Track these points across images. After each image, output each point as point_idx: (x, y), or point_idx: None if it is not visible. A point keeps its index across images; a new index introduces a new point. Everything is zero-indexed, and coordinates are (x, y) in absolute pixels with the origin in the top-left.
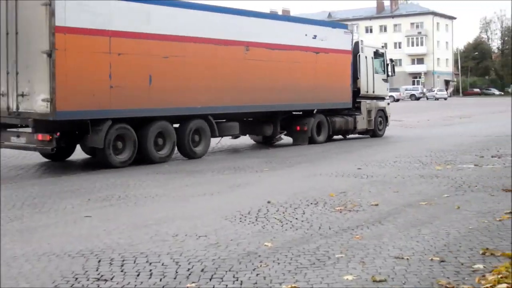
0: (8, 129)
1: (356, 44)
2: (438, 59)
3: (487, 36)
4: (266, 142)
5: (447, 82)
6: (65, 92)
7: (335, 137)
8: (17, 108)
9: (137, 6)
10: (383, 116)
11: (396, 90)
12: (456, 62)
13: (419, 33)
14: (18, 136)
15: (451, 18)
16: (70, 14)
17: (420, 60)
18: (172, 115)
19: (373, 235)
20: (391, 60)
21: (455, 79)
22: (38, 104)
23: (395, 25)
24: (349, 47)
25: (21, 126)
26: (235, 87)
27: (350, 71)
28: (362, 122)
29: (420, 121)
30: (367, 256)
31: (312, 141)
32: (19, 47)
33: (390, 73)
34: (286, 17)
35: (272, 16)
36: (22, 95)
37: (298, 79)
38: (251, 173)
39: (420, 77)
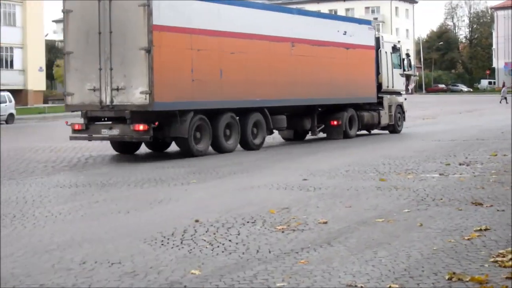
0: (97, 123)
1: (377, 39)
2: None
3: (453, 23)
4: (297, 138)
5: (407, 77)
6: (161, 85)
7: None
8: (111, 101)
9: (211, 6)
10: (401, 111)
11: None
12: (418, 53)
13: (375, 19)
14: (110, 128)
15: (412, 2)
16: (163, 13)
17: None
18: (236, 107)
19: (321, 259)
20: (407, 55)
21: (417, 73)
22: (136, 96)
23: (347, 10)
24: (372, 42)
25: (109, 119)
26: (285, 82)
27: (374, 66)
28: (385, 117)
29: None
30: (314, 284)
31: (346, 135)
32: (113, 45)
33: (406, 68)
34: (321, 14)
35: (311, 13)
36: (117, 89)
37: (333, 73)
38: (175, 186)
39: None
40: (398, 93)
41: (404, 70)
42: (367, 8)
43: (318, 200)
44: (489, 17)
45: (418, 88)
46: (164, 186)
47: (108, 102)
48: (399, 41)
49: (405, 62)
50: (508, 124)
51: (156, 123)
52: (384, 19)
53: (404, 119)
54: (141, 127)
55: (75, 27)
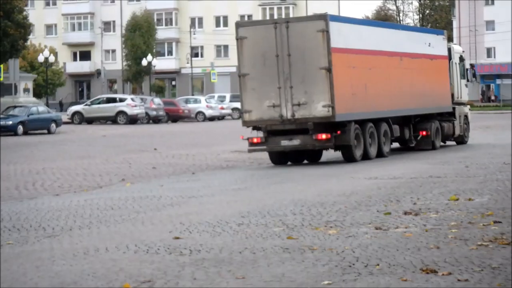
0: (274, 136)
1: (449, 50)
2: None
3: (397, 7)
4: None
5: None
6: (340, 99)
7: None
8: (293, 115)
9: (356, 27)
10: (467, 122)
11: None
12: None
13: None
14: (290, 139)
15: None
16: (336, 37)
17: None
18: (374, 117)
19: None
20: (472, 66)
21: (478, 82)
22: (318, 109)
23: None
24: (446, 52)
25: (288, 132)
26: (398, 93)
27: (448, 77)
28: (458, 128)
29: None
30: None
31: (433, 146)
32: (292, 65)
33: (470, 79)
34: (410, 27)
35: (407, 27)
36: (298, 104)
37: (425, 84)
38: None
39: None
40: (464, 104)
41: (468, 80)
42: None
43: (195, 268)
44: None
45: None
46: None
47: (289, 116)
48: (463, 51)
49: (469, 72)
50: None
51: (339, 132)
52: (296, 0)
53: (469, 130)
54: (323, 136)
55: (250, 52)
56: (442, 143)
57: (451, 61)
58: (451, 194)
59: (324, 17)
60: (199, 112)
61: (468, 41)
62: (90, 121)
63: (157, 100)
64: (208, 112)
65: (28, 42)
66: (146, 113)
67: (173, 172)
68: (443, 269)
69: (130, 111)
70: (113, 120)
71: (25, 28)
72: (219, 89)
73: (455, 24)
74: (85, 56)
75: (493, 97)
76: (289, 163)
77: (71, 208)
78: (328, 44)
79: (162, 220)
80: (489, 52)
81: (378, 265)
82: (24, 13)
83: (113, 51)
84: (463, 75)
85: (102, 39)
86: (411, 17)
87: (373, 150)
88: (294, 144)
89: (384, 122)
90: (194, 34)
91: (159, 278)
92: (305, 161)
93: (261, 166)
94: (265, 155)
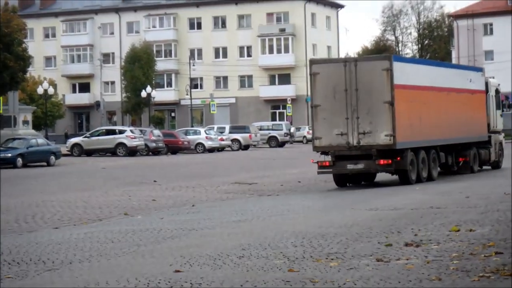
0: (341, 160)
1: (486, 83)
2: None
3: (395, 37)
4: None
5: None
6: (400, 129)
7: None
8: (358, 142)
9: (414, 66)
10: (502, 149)
11: (244, 129)
12: None
13: (282, 30)
14: (355, 164)
15: (336, 6)
16: (399, 75)
17: (284, 77)
18: (426, 146)
19: None
20: (507, 97)
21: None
22: (381, 138)
23: (240, 16)
24: (484, 87)
25: (354, 157)
26: (444, 124)
27: (485, 109)
28: (493, 154)
29: (287, 181)
30: None
31: (472, 170)
32: (359, 99)
33: (505, 110)
34: (456, 65)
35: (453, 65)
36: (364, 133)
37: (466, 115)
38: None
39: (285, 107)
40: (499, 133)
41: (502, 111)
42: (270, 14)
43: None
44: (446, 29)
45: None
46: None
47: (355, 143)
48: (499, 84)
49: (503, 103)
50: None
51: (398, 158)
52: (295, 31)
53: (503, 156)
54: (385, 161)
55: (322, 85)
56: (479, 168)
57: (488, 94)
58: (452, 225)
59: (388, 58)
60: (199, 144)
61: None
62: (90, 153)
63: (157, 131)
64: (208, 144)
65: (28, 74)
66: (146, 145)
67: (173, 204)
68: None
69: (130, 143)
70: (112, 152)
71: (24, 60)
72: (218, 120)
73: (454, 54)
74: (84, 88)
75: None
76: (349, 184)
77: (71, 241)
78: (392, 81)
79: (163, 253)
80: None
81: None
82: (24, 45)
83: (112, 82)
84: (498, 106)
85: (101, 71)
86: (410, 48)
87: (424, 174)
88: (358, 167)
89: (433, 149)
90: (194, 65)
91: None
92: (363, 182)
93: (261, 197)
94: (264, 186)
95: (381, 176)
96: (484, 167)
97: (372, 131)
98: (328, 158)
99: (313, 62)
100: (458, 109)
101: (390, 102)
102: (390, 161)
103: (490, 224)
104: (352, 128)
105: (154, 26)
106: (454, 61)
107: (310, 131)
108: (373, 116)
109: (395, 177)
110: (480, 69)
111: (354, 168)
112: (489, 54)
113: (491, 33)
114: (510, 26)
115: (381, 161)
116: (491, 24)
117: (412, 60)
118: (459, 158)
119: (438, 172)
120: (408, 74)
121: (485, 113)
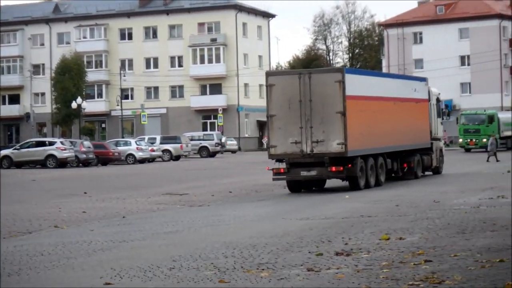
0: (295, 167)
1: (429, 92)
2: (246, 85)
3: (326, 46)
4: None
5: (262, 125)
6: (351, 138)
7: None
8: (312, 150)
9: (364, 78)
10: (442, 155)
11: (175, 140)
12: None
13: (213, 40)
14: (309, 171)
15: (268, 15)
16: (350, 87)
17: (215, 87)
18: (374, 153)
19: None
20: (446, 106)
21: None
22: (334, 146)
23: (171, 27)
24: (427, 96)
25: (307, 164)
26: (391, 132)
27: (428, 117)
28: (435, 160)
29: (218, 191)
30: None
31: (415, 175)
32: (313, 109)
33: (445, 117)
34: (403, 76)
35: (400, 76)
36: (317, 142)
37: (410, 123)
38: None
39: (217, 117)
40: (439, 139)
41: (442, 118)
42: (201, 24)
43: None
44: (376, 38)
45: None
46: None
47: (308, 151)
48: (439, 93)
49: (443, 111)
50: None
51: (350, 165)
52: (227, 41)
53: (443, 162)
54: (337, 168)
55: (278, 96)
56: (422, 173)
57: (430, 103)
58: (382, 234)
59: (341, 70)
60: (129, 155)
61: None
62: (19, 165)
63: (87, 143)
64: (138, 155)
65: None
66: (76, 156)
67: (103, 216)
68: None
69: (60, 154)
70: (42, 164)
71: None
72: (149, 131)
73: (384, 63)
74: (14, 99)
75: None
76: (302, 190)
77: None
78: (344, 93)
79: (93, 266)
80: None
81: None
82: None
83: (43, 94)
84: (439, 114)
85: (31, 82)
86: (341, 57)
87: (372, 180)
88: (312, 174)
89: (381, 156)
90: (124, 76)
91: None
92: (314, 188)
93: (192, 208)
94: (195, 197)
95: (331, 183)
96: (426, 173)
97: (325, 140)
98: (283, 165)
99: (269, 74)
100: (404, 118)
101: (342, 112)
102: (341, 168)
103: (419, 232)
104: (306, 137)
105: (85, 37)
106: (384, 69)
107: (229, 142)
108: (326, 125)
109: (345, 183)
110: (424, 79)
111: (307, 175)
112: (418, 63)
113: (421, 41)
114: (439, 35)
115: (333, 168)
116: (420, 33)
117: (363, 72)
118: (404, 164)
119: (386, 178)
120: (359, 85)
121: (428, 121)
